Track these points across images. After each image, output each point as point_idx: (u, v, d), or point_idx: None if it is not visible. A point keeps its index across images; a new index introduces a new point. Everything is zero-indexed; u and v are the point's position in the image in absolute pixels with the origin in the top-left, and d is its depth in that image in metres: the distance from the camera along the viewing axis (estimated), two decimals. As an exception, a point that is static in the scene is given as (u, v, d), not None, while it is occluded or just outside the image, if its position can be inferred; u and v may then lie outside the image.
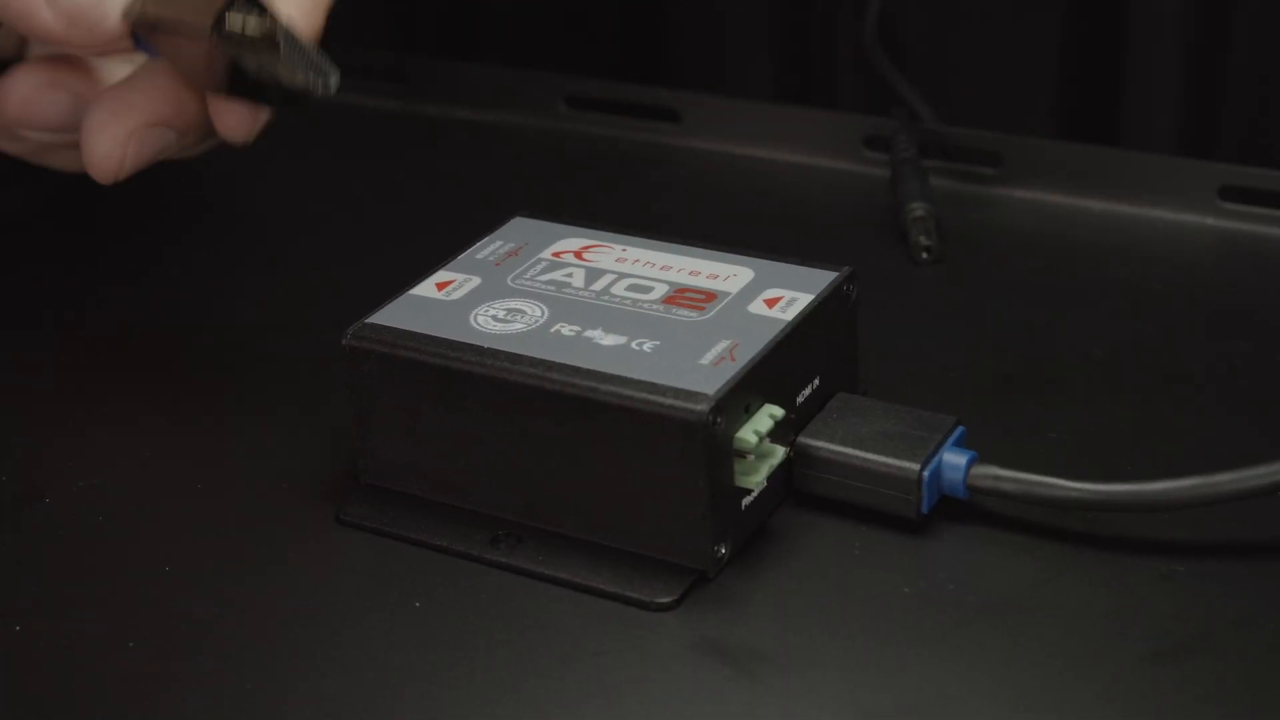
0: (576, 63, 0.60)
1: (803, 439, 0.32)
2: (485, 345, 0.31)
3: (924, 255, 0.43)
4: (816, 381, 0.33)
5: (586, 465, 0.31)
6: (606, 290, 0.33)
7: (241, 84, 0.33)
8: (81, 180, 0.42)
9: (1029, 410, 0.36)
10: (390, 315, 0.33)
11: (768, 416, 0.30)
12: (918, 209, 0.44)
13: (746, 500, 0.31)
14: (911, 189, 0.44)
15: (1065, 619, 0.30)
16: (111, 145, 0.36)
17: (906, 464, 0.31)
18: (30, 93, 0.37)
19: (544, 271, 0.34)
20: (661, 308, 0.33)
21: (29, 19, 0.35)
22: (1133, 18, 0.53)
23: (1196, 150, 0.53)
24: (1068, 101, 0.55)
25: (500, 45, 0.63)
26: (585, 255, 0.35)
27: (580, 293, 0.33)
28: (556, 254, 0.35)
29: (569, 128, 0.53)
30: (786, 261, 0.34)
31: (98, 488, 0.35)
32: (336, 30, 0.63)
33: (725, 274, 0.34)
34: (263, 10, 0.33)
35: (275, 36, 0.33)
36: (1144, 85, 0.53)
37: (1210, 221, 0.45)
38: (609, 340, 0.31)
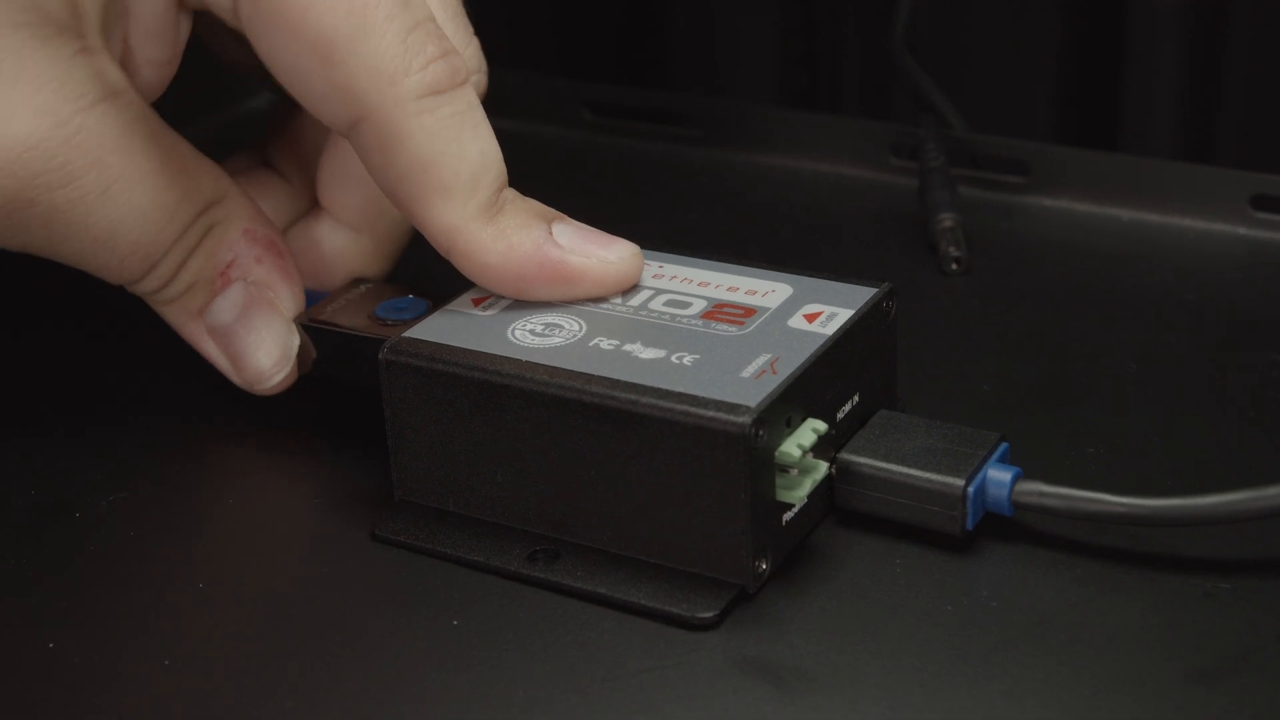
0: (580, 66, 0.60)
1: (845, 455, 0.32)
2: (523, 359, 0.31)
3: (953, 266, 0.43)
4: (856, 398, 0.33)
5: (625, 479, 0.31)
6: (644, 305, 0.33)
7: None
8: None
9: (1065, 423, 0.36)
10: (427, 330, 0.33)
11: (810, 431, 0.30)
12: (947, 219, 0.44)
13: (788, 516, 0.31)
14: (941, 199, 0.44)
15: (1109, 637, 0.29)
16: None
17: (951, 480, 0.31)
18: None
19: (581, 287, 0.34)
20: (700, 323, 0.32)
21: (192, 346, 0.36)
22: (1135, 21, 0.53)
23: (1210, 157, 0.53)
24: (1077, 105, 0.55)
25: (502, 47, 0.62)
26: (622, 270, 0.35)
27: (618, 308, 0.33)
28: (594, 269, 0.35)
29: (591, 135, 0.53)
30: (825, 278, 0.34)
31: (127, 502, 0.35)
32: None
33: (763, 290, 0.33)
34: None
35: None
36: (1148, 89, 0.53)
37: (1242, 231, 0.44)
38: (648, 354, 0.31)
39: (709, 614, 0.30)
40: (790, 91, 0.59)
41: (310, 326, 0.36)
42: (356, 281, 0.37)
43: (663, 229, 0.38)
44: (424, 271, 0.41)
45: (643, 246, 0.35)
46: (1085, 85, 0.55)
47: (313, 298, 0.36)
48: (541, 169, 0.52)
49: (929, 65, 0.52)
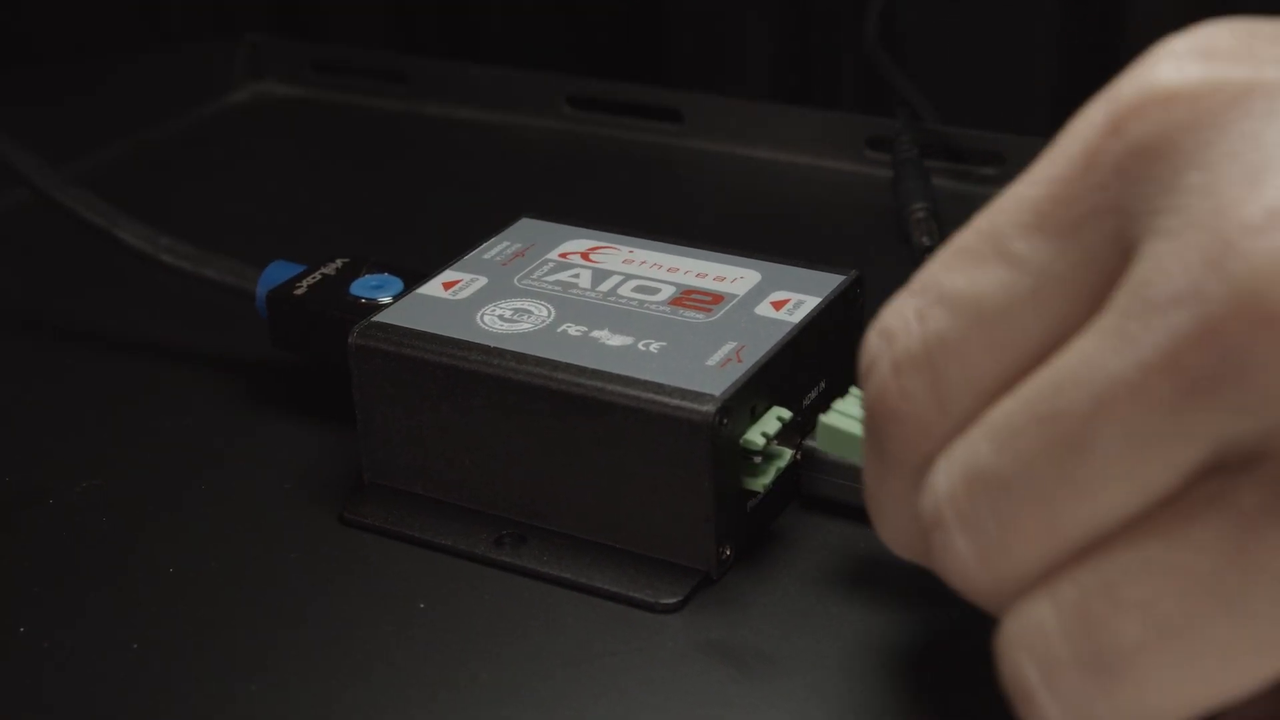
0: (575, 62, 0.60)
1: (810, 442, 0.32)
2: (491, 344, 0.31)
3: (926, 256, 0.43)
4: (822, 385, 0.33)
5: (592, 465, 0.31)
6: (613, 291, 0.33)
7: None
8: (83, 178, 0.42)
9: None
10: (397, 314, 0.33)
11: (775, 419, 0.30)
12: (920, 210, 0.44)
13: (752, 502, 0.31)
14: (914, 189, 0.44)
15: (1070, 622, 0.30)
16: None
17: (913, 466, 0.31)
18: None
19: (551, 272, 0.34)
20: (668, 309, 0.33)
21: None
22: (1131, 16, 0.53)
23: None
24: (1066, 100, 0.55)
25: (500, 45, 0.63)
26: (592, 256, 0.35)
27: (587, 293, 0.33)
28: (563, 255, 0.35)
29: (571, 128, 0.53)
30: (793, 264, 0.34)
31: (100, 489, 0.35)
32: (336, 30, 0.63)
33: (732, 276, 0.34)
34: None
35: None
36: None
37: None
38: (615, 341, 0.31)
39: (672, 599, 0.30)
40: (779, 87, 0.59)
41: (283, 303, 0.36)
42: (333, 256, 0.37)
43: (638, 218, 0.38)
44: (401, 248, 0.41)
45: (615, 232, 0.36)
46: (1077, 77, 0.55)
47: (287, 270, 0.37)
48: (521, 160, 0.52)
49: (921, 58, 0.52)
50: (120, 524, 0.34)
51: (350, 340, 0.32)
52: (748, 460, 0.30)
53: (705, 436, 0.29)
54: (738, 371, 0.30)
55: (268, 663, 0.30)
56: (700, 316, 0.32)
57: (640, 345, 0.31)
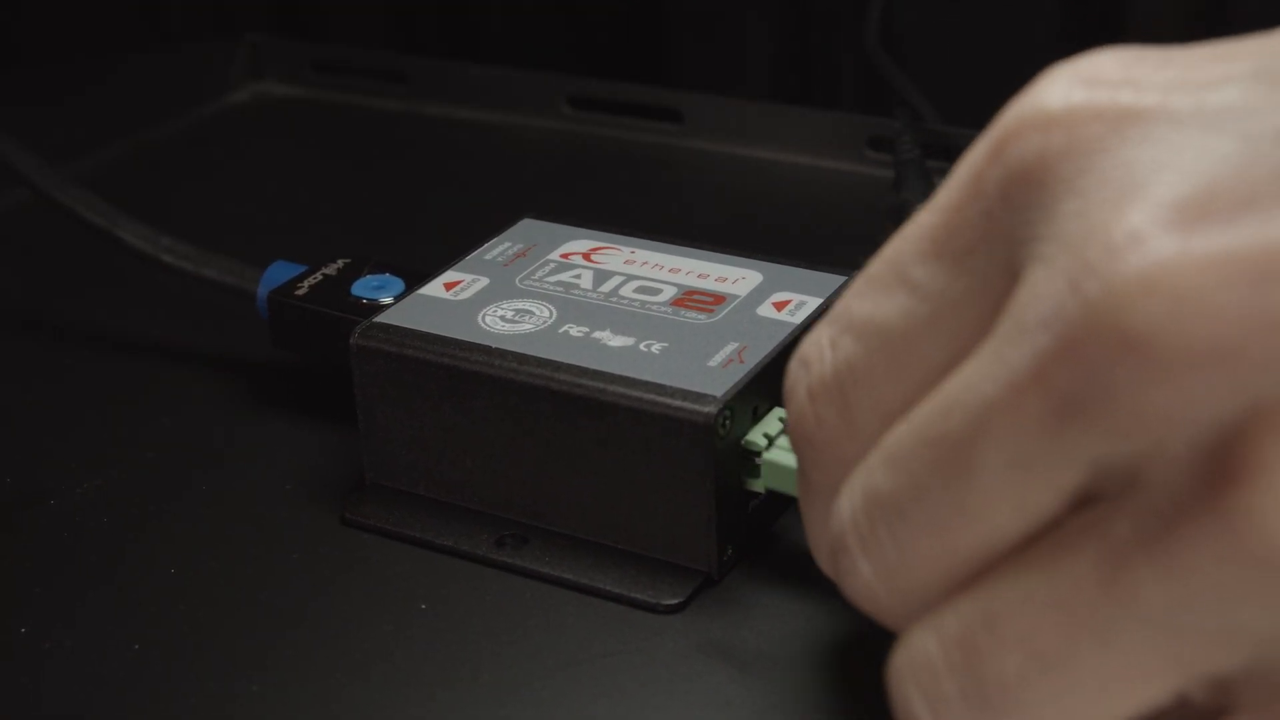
0: (575, 62, 0.60)
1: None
2: (493, 345, 0.31)
3: (928, 257, 0.43)
4: (824, 384, 0.33)
5: (593, 466, 0.31)
6: (615, 292, 0.33)
7: None
8: (83, 178, 0.42)
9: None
10: (398, 315, 0.33)
11: (777, 420, 0.30)
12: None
13: (754, 503, 0.31)
14: (915, 190, 0.44)
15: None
16: None
17: (915, 467, 0.31)
18: None
19: (552, 273, 0.34)
20: (670, 310, 0.33)
21: None
22: (1131, 16, 0.53)
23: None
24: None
25: (500, 45, 0.63)
26: (594, 257, 0.35)
27: (588, 294, 0.33)
28: (565, 255, 0.35)
29: (571, 128, 0.53)
30: (795, 265, 0.34)
31: (100, 489, 0.35)
32: (337, 30, 0.63)
33: (734, 277, 0.34)
34: None
35: None
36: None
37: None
38: (617, 341, 0.31)
39: (674, 600, 0.30)
40: (779, 87, 0.59)
41: (284, 304, 0.36)
42: (334, 256, 0.37)
43: (638, 218, 0.38)
44: (400, 248, 0.41)
45: (616, 233, 0.36)
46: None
47: (288, 270, 0.37)
48: (521, 161, 0.52)
49: (922, 57, 0.52)
50: (120, 524, 0.34)
51: (352, 341, 0.32)
52: (749, 461, 0.30)
53: (707, 437, 0.29)
54: (739, 372, 0.30)
55: (268, 663, 0.30)
56: (702, 317, 0.32)
57: (642, 346, 0.31)
